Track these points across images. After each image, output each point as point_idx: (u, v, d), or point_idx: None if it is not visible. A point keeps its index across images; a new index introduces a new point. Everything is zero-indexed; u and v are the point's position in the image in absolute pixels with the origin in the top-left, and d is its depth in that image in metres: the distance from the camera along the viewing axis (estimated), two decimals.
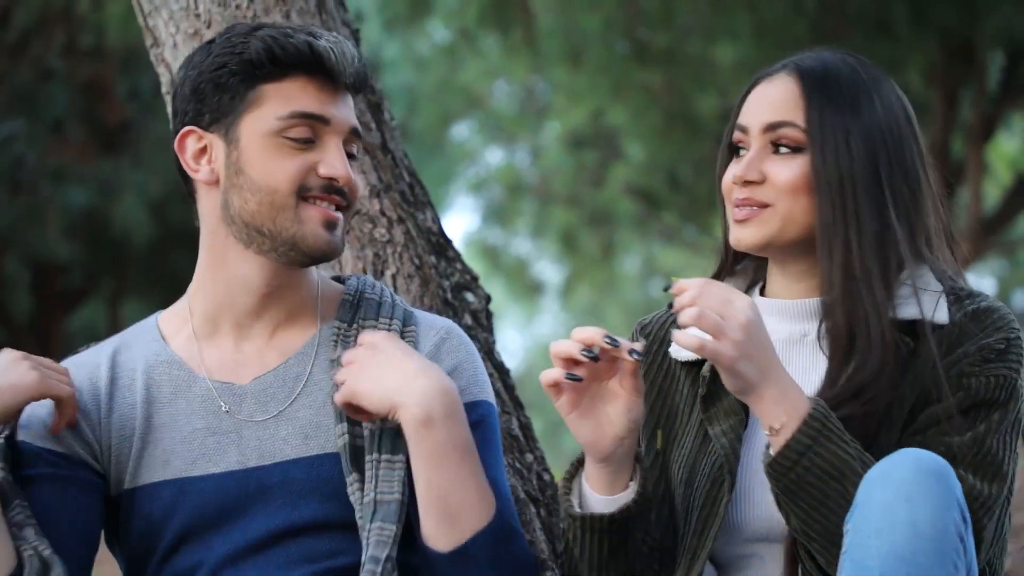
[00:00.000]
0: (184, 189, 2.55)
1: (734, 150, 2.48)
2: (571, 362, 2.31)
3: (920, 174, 2.44)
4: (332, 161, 2.43)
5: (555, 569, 2.96)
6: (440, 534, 2.38)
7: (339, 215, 2.46)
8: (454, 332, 2.55)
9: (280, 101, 2.43)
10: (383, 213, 3.09)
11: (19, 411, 2.42)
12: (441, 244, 3.21)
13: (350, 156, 2.48)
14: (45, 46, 12.17)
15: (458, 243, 3.29)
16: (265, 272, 2.48)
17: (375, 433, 2.43)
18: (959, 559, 2.11)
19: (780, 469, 2.24)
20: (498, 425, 2.54)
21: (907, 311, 2.38)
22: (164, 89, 3.20)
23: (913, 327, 2.37)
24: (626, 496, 2.38)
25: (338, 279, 2.62)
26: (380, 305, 2.55)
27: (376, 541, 2.35)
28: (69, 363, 2.56)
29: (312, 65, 2.44)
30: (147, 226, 11.90)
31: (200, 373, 2.51)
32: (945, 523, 2.09)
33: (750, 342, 2.22)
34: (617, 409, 2.33)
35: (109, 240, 12.27)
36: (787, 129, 2.41)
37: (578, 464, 2.43)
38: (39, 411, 2.47)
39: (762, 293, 2.55)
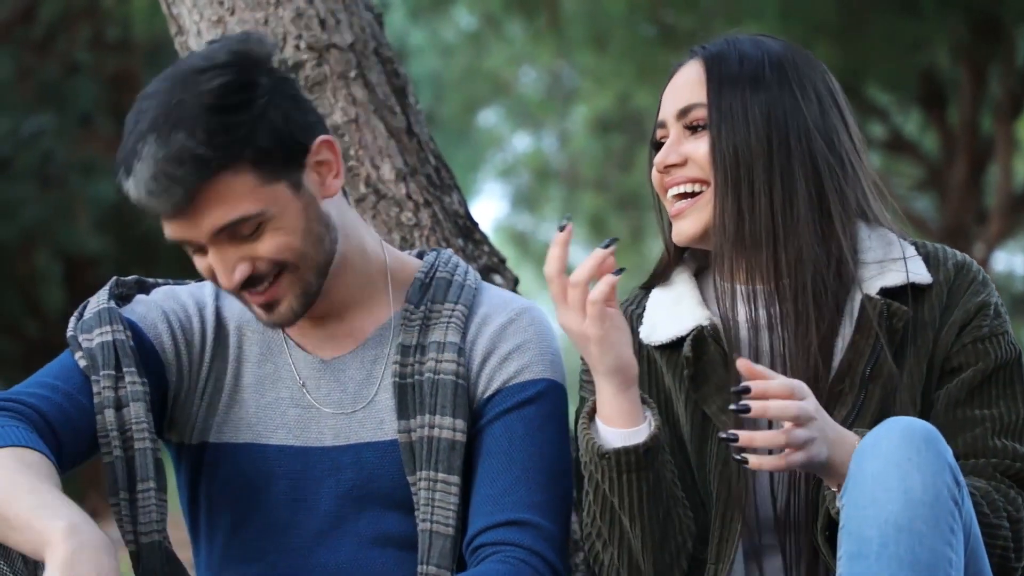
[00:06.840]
0: None
1: (658, 147, 2.47)
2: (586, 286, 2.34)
3: (849, 148, 2.42)
4: (217, 273, 2.40)
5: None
6: None
7: (263, 297, 2.42)
8: (526, 313, 2.52)
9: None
10: (409, 197, 3.09)
11: None
12: (468, 227, 3.21)
13: (258, 232, 2.37)
14: (71, 40, 12.23)
15: (487, 229, 3.29)
16: None
17: (430, 443, 2.44)
18: (955, 522, 2.10)
19: None
20: (561, 406, 2.50)
21: (890, 279, 2.38)
22: None
23: (905, 293, 2.38)
24: (648, 427, 2.32)
25: (420, 254, 2.61)
26: (449, 285, 2.53)
27: None
28: (172, 290, 2.58)
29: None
30: None
31: (288, 340, 2.53)
32: (938, 488, 2.08)
33: (823, 436, 2.18)
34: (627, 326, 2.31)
35: (139, 233, 12.29)
36: (695, 110, 2.41)
37: (589, 415, 2.36)
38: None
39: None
